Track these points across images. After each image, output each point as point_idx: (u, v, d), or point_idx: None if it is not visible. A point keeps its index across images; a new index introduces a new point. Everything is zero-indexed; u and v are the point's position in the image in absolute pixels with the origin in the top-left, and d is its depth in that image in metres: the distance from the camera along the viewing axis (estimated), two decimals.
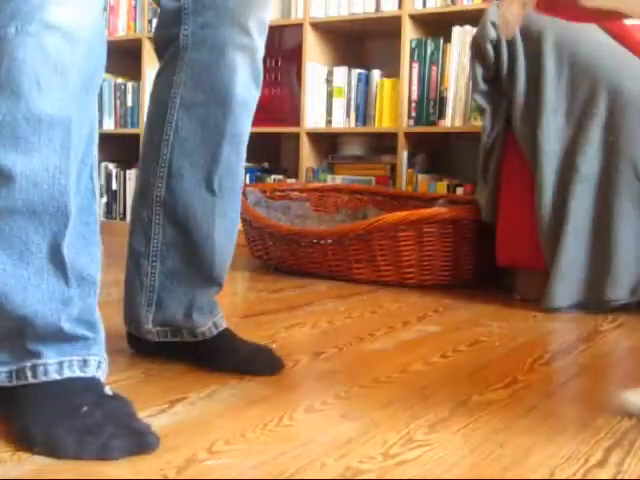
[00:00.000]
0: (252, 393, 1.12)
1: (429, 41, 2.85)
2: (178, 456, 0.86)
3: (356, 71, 3.06)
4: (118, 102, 3.70)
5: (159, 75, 1.24)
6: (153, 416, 1.00)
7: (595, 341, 1.55)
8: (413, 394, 1.14)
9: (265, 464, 0.85)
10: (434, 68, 2.84)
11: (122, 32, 3.61)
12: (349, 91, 3.06)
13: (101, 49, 0.92)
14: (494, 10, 1.95)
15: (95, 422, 0.86)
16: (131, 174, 3.59)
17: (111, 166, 3.65)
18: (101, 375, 0.95)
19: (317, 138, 3.11)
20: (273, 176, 3.31)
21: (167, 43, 1.21)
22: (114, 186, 3.64)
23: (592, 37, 1.88)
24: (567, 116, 1.86)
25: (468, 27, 2.73)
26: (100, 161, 3.69)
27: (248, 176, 3.30)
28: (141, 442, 0.86)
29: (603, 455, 0.91)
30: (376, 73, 3.04)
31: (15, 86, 0.83)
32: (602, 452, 0.92)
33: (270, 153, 3.50)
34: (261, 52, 1.26)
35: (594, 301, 1.84)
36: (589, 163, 1.82)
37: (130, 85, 3.58)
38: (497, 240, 2.03)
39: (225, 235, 1.26)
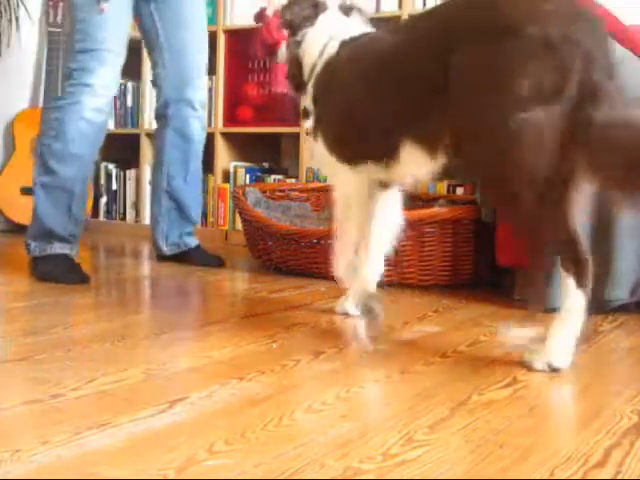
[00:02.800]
0: (252, 393, 1.12)
1: None
2: (178, 456, 0.86)
3: None
4: (118, 102, 3.70)
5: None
6: (153, 416, 1.00)
7: (595, 341, 1.55)
8: (413, 394, 1.14)
9: (265, 464, 0.85)
10: None
11: None
12: None
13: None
14: None
15: (74, 268, 2.14)
16: (131, 174, 3.58)
17: (111, 166, 3.65)
18: (74, 256, 2.21)
19: None
20: (273, 176, 3.30)
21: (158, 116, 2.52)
22: (114, 186, 3.64)
23: None
24: None
25: None
26: (100, 161, 3.69)
27: (248, 176, 3.30)
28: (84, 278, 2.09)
29: (603, 455, 0.91)
30: None
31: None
32: (602, 452, 0.92)
33: (270, 153, 3.50)
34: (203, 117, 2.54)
35: (594, 301, 1.83)
36: None
37: (130, 85, 3.58)
38: (497, 241, 2.03)
39: (195, 200, 2.60)
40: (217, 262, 2.52)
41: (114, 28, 2.17)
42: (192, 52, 2.41)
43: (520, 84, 1.19)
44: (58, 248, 2.19)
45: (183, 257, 2.54)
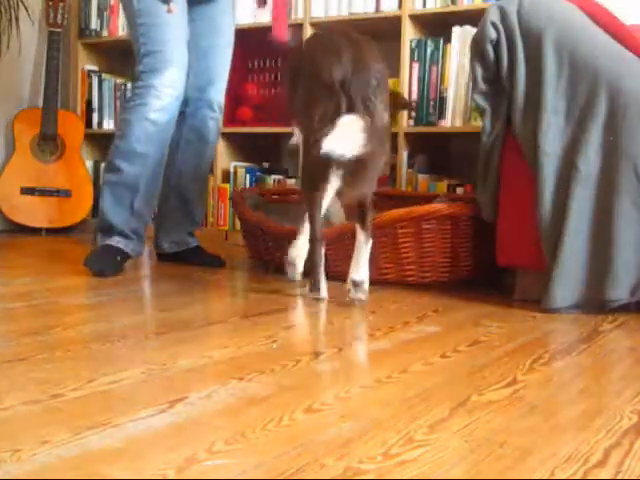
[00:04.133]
0: (252, 393, 1.12)
1: (429, 41, 2.85)
2: (178, 456, 0.86)
3: None
4: (118, 102, 3.70)
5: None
6: (153, 416, 1.00)
7: (595, 341, 1.55)
8: (413, 394, 1.14)
9: (265, 464, 0.85)
10: (434, 68, 2.84)
11: (122, 32, 3.62)
12: None
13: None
14: (494, 10, 1.95)
15: (108, 260, 2.26)
16: None
17: None
18: (130, 250, 2.32)
19: None
20: (273, 176, 3.30)
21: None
22: None
23: (592, 37, 1.88)
24: (567, 116, 1.86)
25: (468, 27, 2.74)
26: (99, 161, 3.69)
27: (248, 176, 3.30)
28: (103, 271, 2.21)
29: (603, 455, 0.91)
30: None
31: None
32: (602, 452, 0.92)
33: (270, 153, 3.50)
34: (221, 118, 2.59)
35: (594, 301, 1.84)
36: (589, 163, 1.82)
37: (130, 85, 3.58)
38: (497, 240, 2.03)
39: (201, 200, 2.62)
40: (217, 262, 2.53)
41: (176, 29, 2.26)
42: (217, 55, 2.46)
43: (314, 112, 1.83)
44: (115, 242, 2.28)
45: (183, 256, 2.56)
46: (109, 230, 2.29)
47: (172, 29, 2.25)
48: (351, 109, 1.81)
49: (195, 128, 2.48)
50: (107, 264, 2.23)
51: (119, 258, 2.28)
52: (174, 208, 2.54)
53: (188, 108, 2.47)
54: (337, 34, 1.98)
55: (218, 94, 2.49)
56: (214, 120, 2.50)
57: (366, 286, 1.91)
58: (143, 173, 2.27)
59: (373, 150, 1.81)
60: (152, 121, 2.24)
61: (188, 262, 2.52)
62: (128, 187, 2.28)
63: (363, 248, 1.93)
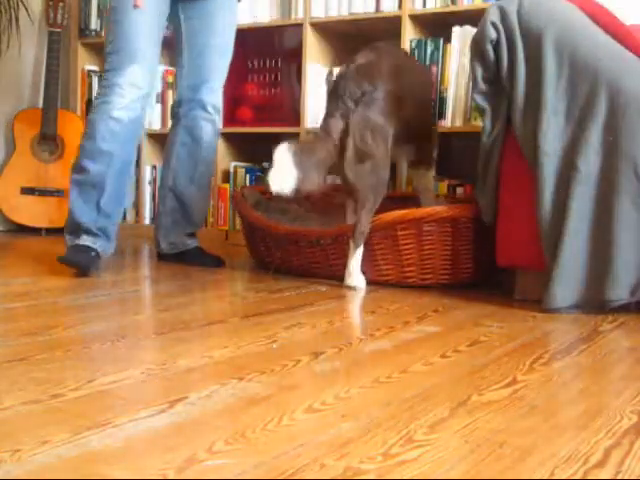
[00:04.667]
0: (252, 393, 1.12)
1: (429, 41, 2.85)
2: (178, 456, 0.86)
3: None
4: None
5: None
6: (153, 416, 1.00)
7: (595, 341, 1.55)
8: (413, 394, 1.14)
9: (265, 464, 0.85)
10: (434, 68, 2.84)
11: None
12: None
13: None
14: (494, 10, 1.95)
15: (85, 258, 2.22)
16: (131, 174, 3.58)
17: None
18: (98, 247, 2.27)
19: None
20: None
21: (172, 114, 2.55)
22: None
23: (592, 37, 1.88)
24: (567, 116, 1.86)
25: (468, 27, 2.73)
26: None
27: (248, 176, 3.30)
28: (84, 270, 2.21)
29: (603, 455, 0.91)
30: None
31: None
32: (602, 452, 0.92)
33: (270, 153, 3.49)
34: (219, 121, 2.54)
35: (594, 301, 1.84)
36: (589, 163, 1.82)
37: None
38: (497, 241, 2.03)
39: (200, 202, 2.57)
40: (216, 262, 2.53)
41: (143, 25, 2.22)
42: (212, 55, 2.42)
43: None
44: (83, 240, 2.27)
45: (182, 257, 2.56)
46: (77, 230, 2.28)
47: (138, 25, 2.21)
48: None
49: (188, 129, 2.47)
50: (87, 262, 2.21)
51: (93, 254, 2.26)
52: (172, 209, 2.53)
53: (181, 109, 2.46)
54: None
55: (211, 94, 2.45)
56: (208, 121, 2.47)
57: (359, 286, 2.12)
58: (109, 172, 2.25)
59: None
60: (116, 119, 2.21)
61: (188, 263, 2.52)
62: (94, 186, 2.25)
63: (350, 253, 2.11)
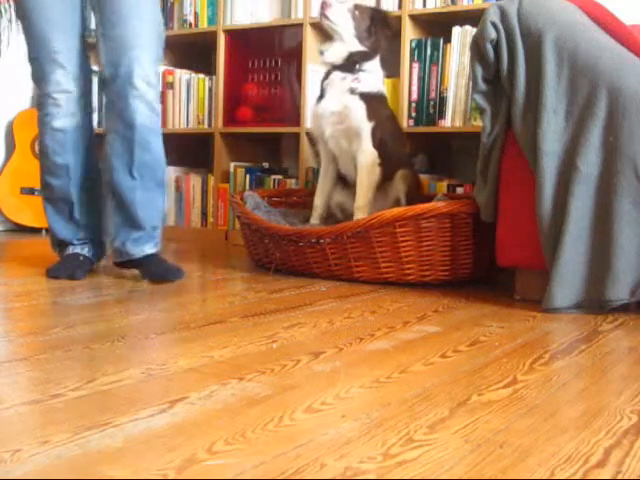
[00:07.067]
0: (252, 393, 1.12)
1: (429, 41, 2.85)
2: (178, 456, 0.86)
3: None
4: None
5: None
6: (153, 416, 1.00)
7: (595, 341, 1.55)
8: (413, 394, 1.14)
9: (265, 464, 0.85)
10: (434, 68, 2.84)
11: None
12: None
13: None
14: (494, 10, 1.95)
15: (72, 265, 2.17)
16: None
17: None
18: (86, 253, 2.23)
19: None
20: (273, 176, 3.30)
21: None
22: None
23: (592, 37, 1.88)
24: (567, 116, 1.86)
25: (468, 27, 2.74)
26: (100, 161, 3.68)
27: (248, 176, 3.30)
28: (73, 275, 2.12)
29: (603, 455, 0.91)
30: None
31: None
32: (602, 452, 0.92)
33: (270, 153, 3.50)
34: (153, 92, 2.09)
35: (594, 301, 1.84)
36: (589, 163, 1.82)
37: None
38: (497, 241, 2.03)
39: (145, 201, 2.10)
40: (171, 275, 2.13)
41: (52, 14, 2.07)
42: (128, 21, 2.03)
43: None
44: (71, 249, 2.23)
45: (132, 267, 2.19)
46: (61, 244, 2.24)
47: (47, 17, 2.04)
48: None
49: (117, 112, 2.05)
50: (74, 268, 2.15)
51: (81, 258, 2.22)
52: (113, 211, 2.14)
53: (107, 90, 2.08)
54: None
55: (135, 64, 2.01)
56: (138, 99, 2.02)
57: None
58: (71, 183, 2.16)
59: None
60: (59, 129, 2.11)
61: (140, 274, 2.18)
62: (62, 200, 2.18)
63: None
